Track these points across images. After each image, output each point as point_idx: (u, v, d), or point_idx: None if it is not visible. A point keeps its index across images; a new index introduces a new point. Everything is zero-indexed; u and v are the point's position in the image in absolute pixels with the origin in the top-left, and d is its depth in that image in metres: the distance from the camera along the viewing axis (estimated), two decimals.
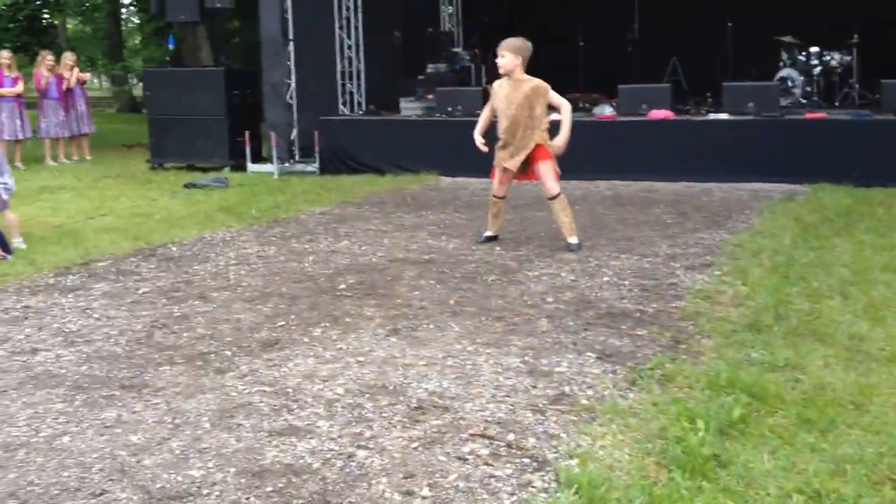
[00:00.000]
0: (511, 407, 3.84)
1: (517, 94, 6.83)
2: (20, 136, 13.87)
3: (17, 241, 7.43)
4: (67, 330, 5.10)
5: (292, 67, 12.67)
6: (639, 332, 4.86)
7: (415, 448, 3.44)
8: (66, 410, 3.88)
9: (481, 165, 10.32)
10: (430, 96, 12.94)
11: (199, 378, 4.27)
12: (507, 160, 6.99)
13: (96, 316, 5.38)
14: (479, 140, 7.11)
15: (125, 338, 4.93)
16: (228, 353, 4.64)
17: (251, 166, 12.81)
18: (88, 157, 14.93)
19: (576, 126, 11.12)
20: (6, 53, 14.23)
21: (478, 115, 11.67)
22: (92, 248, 7.32)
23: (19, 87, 13.96)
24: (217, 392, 4.08)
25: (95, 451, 3.45)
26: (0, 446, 3.51)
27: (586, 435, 3.52)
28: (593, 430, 3.56)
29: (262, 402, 3.95)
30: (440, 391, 4.04)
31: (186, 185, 11.43)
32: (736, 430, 3.47)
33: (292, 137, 12.88)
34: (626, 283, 5.95)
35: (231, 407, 3.89)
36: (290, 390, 4.09)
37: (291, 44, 12.59)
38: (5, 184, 7.46)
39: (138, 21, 32.74)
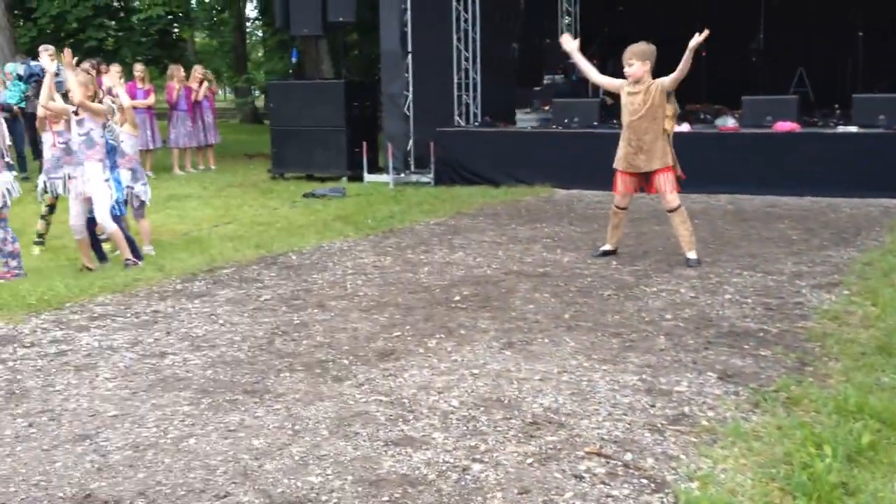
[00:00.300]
0: (628, 426, 3.78)
1: (641, 97, 6.72)
2: (151, 147, 14.49)
3: (147, 248, 7.75)
4: (194, 335, 5.28)
5: (410, 79, 12.83)
6: (762, 353, 4.71)
7: (530, 464, 3.42)
8: (192, 413, 4.02)
9: (597, 177, 10.25)
10: (547, 108, 12.90)
11: (318, 385, 4.35)
12: (629, 161, 6.85)
13: (221, 322, 5.55)
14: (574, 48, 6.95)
15: (248, 344, 5.07)
16: (346, 361, 4.72)
17: (368, 176, 13.03)
18: (213, 167, 15.47)
19: (697, 138, 11.01)
20: (139, 67, 14.92)
21: (595, 127, 11.68)
22: (217, 255, 7.56)
23: (151, 99, 14.59)
24: (335, 400, 4.15)
25: (220, 454, 3.56)
26: (130, 446, 3.66)
27: (707, 457, 3.43)
28: (714, 452, 3.47)
29: (378, 411, 4.00)
30: (555, 407, 4.00)
31: (305, 195, 11.70)
32: (865, 458, 3.33)
33: (408, 148, 13.04)
34: (749, 301, 5.78)
35: (348, 415, 3.95)
36: (405, 401, 4.12)
37: (410, 56, 12.76)
38: (140, 193, 7.79)
39: (262, 35, 33.76)
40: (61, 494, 3.23)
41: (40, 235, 8.40)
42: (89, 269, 7.15)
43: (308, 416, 3.94)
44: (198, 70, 15.56)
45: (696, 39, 6.54)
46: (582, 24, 16.33)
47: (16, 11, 22.96)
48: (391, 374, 4.49)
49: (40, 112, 8.04)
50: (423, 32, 12.84)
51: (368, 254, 7.64)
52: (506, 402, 4.08)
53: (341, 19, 13.23)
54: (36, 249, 8.29)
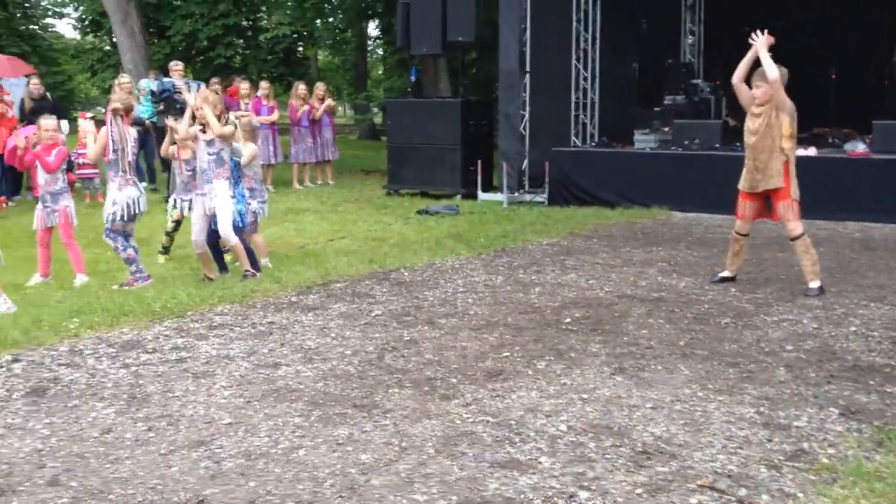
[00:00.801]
0: (743, 460, 3.64)
1: (761, 119, 6.53)
2: (272, 161, 14.90)
3: (264, 261, 7.95)
4: (307, 347, 5.37)
5: (527, 98, 12.82)
6: (888, 389, 4.48)
7: (638, 494, 3.33)
8: (302, 425, 4.08)
9: (717, 201, 10.01)
10: (667, 128, 12.67)
11: (426, 403, 4.36)
12: (749, 181, 6.67)
13: (333, 335, 5.64)
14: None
15: (358, 358, 5.13)
16: (454, 380, 4.72)
17: (481, 195, 13.06)
18: (331, 182, 15.78)
19: (825, 163, 10.62)
20: (265, 84, 15.37)
21: (717, 149, 11.41)
22: (331, 269, 7.68)
23: (274, 116, 15.02)
24: (442, 418, 4.15)
25: (328, 467, 3.60)
26: (243, 454, 3.74)
27: (825, 497, 3.28)
28: (833, 492, 3.31)
29: (485, 432, 3.98)
30: (667, 436, 3.90)
31: (419, 212, 11.81)
32: None
33: (523, 167, 13.02)
34: (876, 334, 5.51)
35: (455, 434, 3.94)
36: (512, 422, 4.09)
37: (528, 75, 12.76)
38: (257, 209, 8.01)
39: (382, 53, 34.37)
40: (176, 499, 3.32)
41: (165, 248, 8.74)
42: (210, 280, 7.38)
43: (415, 434, 3.96)
44: (319, 88, 15.93)
45: (763, 40, 6.34)
46: (705, 44, 16.01)
47: (150, 30, 24.05)
48: (499, 395, 4.47)
49: (165, 151, 8.47)
50: (542, 52, 12.82)
51: (480, 272, 7.63)
52: (615, 428, 4.00)
53: (461, 38, 13.32)
54: (161, 258, 8.63)
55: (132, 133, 7.45)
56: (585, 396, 4.43)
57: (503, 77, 13.03)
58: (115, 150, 7.26)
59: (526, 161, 12.99)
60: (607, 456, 3.70)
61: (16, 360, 5.01)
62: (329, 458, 3.70)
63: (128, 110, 7.46)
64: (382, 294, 6.81)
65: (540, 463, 3.63)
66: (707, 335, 5.54)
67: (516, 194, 12.79)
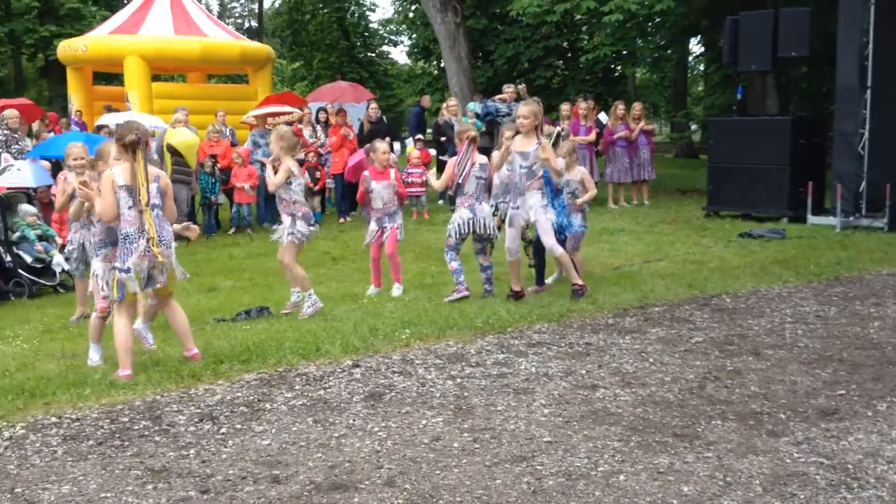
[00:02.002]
0: None
1: None
2: None
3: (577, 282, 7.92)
4: (624, 370, 5.33)
5: (867, 116, 11.88)
6: None
7: None
8: (621, 449, 4.05)
9: None
10: None
11: (752, 438, 4.16)
12: None
13: (651, 360, 5.55)
14: None
15: (678, 386, 5.01)
16: (783, 416, 4.47)
17: (811, 218, 12.27)
18: (647, 202, 15.57)
19: None
20: (583, 104, 15.48)
21: None
22: (648, 291, 7.57)
23: (591, 136, 15.09)
24: (770, 455, 3.94)
25: (648, 495, 3.55)
26: (563, 473, 3.78)
27: None
28: None
29: (818, 474, 3.73)
30: None
31: (741, 235, 11.32)
32: None
33: (860, 190, 12.07)
34: None
35: (784, 474, 3.73)
36: (849, 466, 3.80)
37: (869, 91, 11.83)
38: (582, 227, 8.10)
39: (704, 70, 33.46)
40: None
41: None
42: (517, 293, 7.47)
43: (741, 469, 3.79)
44: (636, 108, 15.80)
45: None
46: None
47: (477, 54, 25.22)
48: (833, 436, 4.17)
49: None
50: (887, 66, 11.81)
51: (810, 302, 7.16)
52: None
53: (793, 54, 12.65)
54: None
55: (480, 159, 7.81)
56: None
57: (840, 93, 12.17)
58: (459, 176, 7.74)
59: (864, 183, 12.03)
60: None
61: (356, 366, 5.44)
62: (650, 486, 3.64)
63: (474, 139, 7.86)
64: (703, 320, 6.60)
65: None
66: None
67: (851, 218, 11.87)
